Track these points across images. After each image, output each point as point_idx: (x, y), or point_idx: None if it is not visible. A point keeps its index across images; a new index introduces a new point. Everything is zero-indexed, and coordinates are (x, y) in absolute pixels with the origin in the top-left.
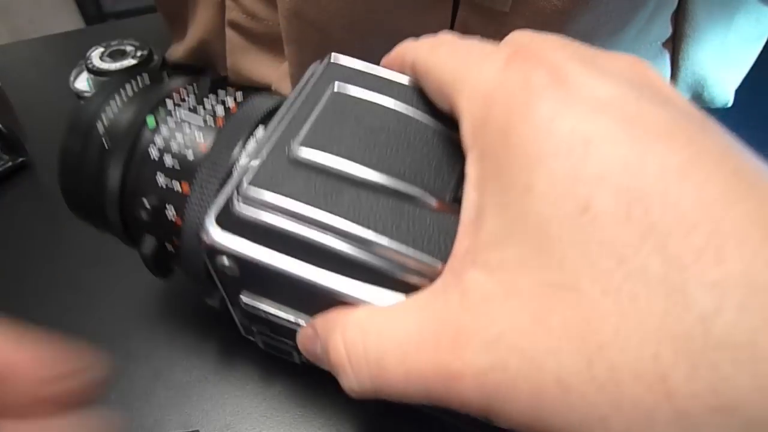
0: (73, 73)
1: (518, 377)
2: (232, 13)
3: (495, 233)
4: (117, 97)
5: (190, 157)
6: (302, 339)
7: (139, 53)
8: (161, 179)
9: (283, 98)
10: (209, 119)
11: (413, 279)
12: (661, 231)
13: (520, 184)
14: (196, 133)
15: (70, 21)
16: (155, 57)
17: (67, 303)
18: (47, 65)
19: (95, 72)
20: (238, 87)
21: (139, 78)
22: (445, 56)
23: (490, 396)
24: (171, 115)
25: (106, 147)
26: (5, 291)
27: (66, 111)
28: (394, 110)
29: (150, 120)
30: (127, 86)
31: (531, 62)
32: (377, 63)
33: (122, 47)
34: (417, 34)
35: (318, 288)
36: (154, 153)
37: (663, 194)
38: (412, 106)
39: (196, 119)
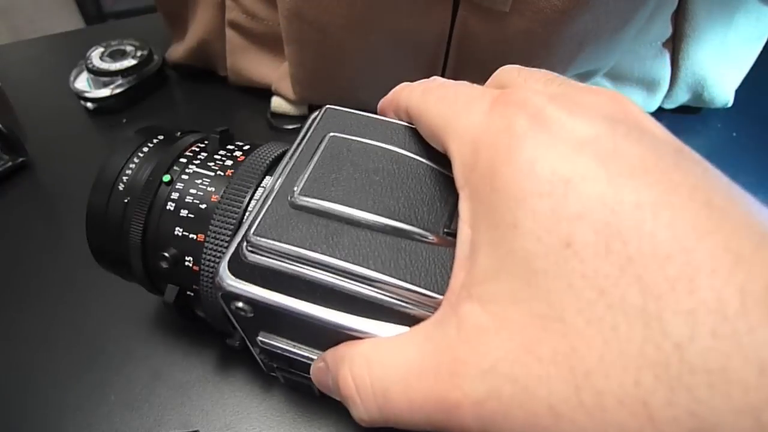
0: (73, 73)
1: (512, 405)
2: (232, 13)
3: (487, 268)
4: (136, 158)
5: (204, 208)
6: (315, 372)
7: (139, 53)
8: (178, 231)
9: (287, 147)
10: (219, 172)
11: (414, 311)
12: (637, 263)
13: (507, 222)
14: (207, 186)
15: (70, 21)
16: (155, 57)
17: (67, 303)
18: (47, 65)
19: (95, 72)
20: (246, 142)
21: (155, 139)
22: (436, 101)
23: (487, 423)
24: (185, 172)
25: (127, 203)
26: (5, 291)
27: (66, 111)
28: (387, 151)
29: (166, 177)
30: (144, 148)
31: (513, 107)
32: (377, 63)
33: (122, 47)
34: (417, 34)
35: (326, 324)
36: (170, 207)
37: (639, 228)
38: (402, 146)
39: (208, 173)
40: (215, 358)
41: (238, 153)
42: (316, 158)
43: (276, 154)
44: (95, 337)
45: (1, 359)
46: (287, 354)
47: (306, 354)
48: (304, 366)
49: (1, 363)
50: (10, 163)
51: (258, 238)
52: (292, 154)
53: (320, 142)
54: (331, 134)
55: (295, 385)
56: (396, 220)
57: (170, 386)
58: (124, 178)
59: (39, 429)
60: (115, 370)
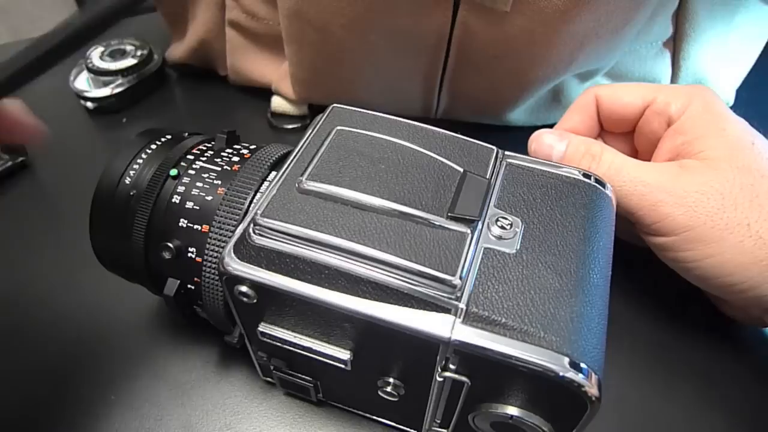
0: (73, 73)
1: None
2: (233, 13)
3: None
4: (143, 154)
5: (209, 200)
6: (539, 144)
7: (139, 53)
8: (183, 222)
9: (293, 148)
10: (226, 167)
11: (419, 292)
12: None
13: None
14: (214, 179)
15: None
16: (155, 57)
17: (68, 303)
18: None
19: (95, 71)
20: (251, 143)
21: (163, 138)
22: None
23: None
24: (192, 167)
25: (133, 196)
26: (5, 291)
27: (66, 111)
28: (392, 142)
29: (173, 171)
30: (152, 146)
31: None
32: (377, 63)
33: (122, 47)
34: (417, 34)
35: (331, 307)
36: (176, 199)
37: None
38: (408, 139)
39: (215, 167)
40: (215, 358)
41: (244, 151)
42: (323, 149)
43: (283, 152)
44: (95, 337)
45: (1, 359)
46: (287, 347)
47: (307, 345)
48: (303, 364)
49: (1, 363)
50: (10, 163)
51: (265, 219)
52: (299, 149)
53: (327, 136)
54: (338, 127)
55: (292, 388)
56: (401, 204)
57: (170, 386)
58: (131, 173)
59: (39, 429)
60: (115, 370)
